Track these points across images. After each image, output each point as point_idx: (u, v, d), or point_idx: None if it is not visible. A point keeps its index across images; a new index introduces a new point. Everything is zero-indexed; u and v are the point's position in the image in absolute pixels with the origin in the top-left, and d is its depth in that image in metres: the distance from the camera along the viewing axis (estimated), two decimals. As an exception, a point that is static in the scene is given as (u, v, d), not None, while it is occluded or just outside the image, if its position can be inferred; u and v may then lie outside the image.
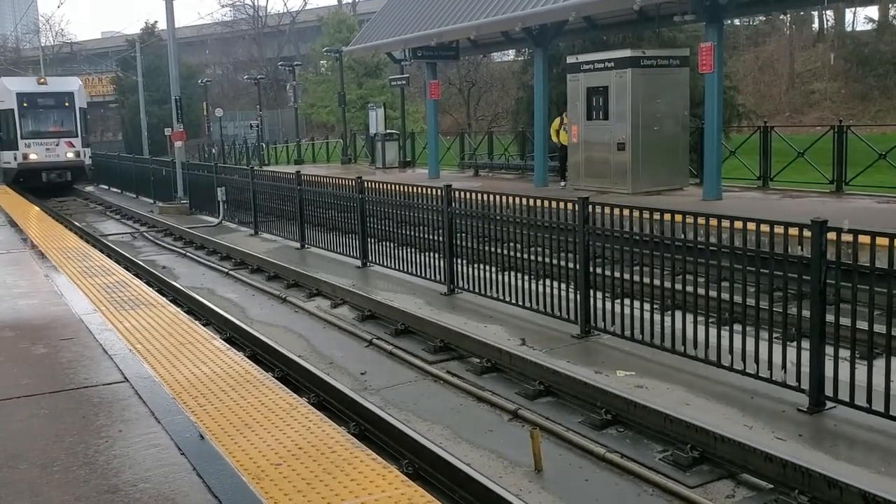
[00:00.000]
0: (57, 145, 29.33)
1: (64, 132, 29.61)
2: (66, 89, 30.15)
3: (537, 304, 8.74)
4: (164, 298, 8.34)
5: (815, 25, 45.30)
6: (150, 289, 8.83)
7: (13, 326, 7.06)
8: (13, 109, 28.75)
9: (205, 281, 13.41)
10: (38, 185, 28.79)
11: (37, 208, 18.71)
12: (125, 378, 5.49)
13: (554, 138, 18.87)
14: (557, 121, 18.57)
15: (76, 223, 21.79)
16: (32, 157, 28.88)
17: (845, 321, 6.01)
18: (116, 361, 5.89)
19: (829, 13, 43.53)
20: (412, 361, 8.10)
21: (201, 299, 11.11)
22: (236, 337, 9.18)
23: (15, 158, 28.88)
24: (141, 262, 14.83)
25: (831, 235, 5.81)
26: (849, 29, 43.99)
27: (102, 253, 12.87)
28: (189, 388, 5.24)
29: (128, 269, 12.19)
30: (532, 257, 8.93)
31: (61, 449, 4.29)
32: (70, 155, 29.52)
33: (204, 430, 4.49)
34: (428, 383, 7.57)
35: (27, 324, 7.18)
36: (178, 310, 7.98)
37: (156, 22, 62.02)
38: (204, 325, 8.53)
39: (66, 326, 7.03)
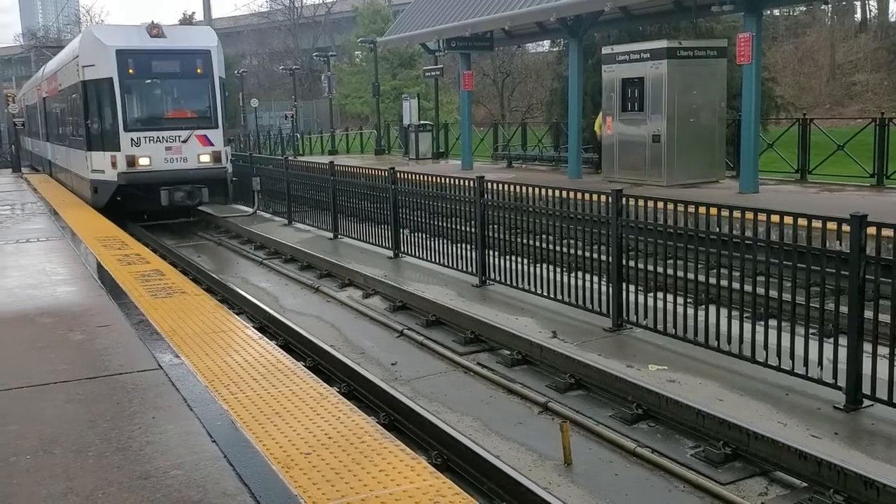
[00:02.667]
0: (185, 142, 16.89)
1: (196, 119, 17.29)
2: (199, 46, 17.39)
3: (569, 296, 8.69)
4: (198, 287, 8.44)
5: (858, 16, 44.41)
6: (185, 277, 8.94)
7: (52, 313, 7.19)
8: (111, 79, 16.47)
9: (239, 270, 13.54)
10: (152, 208, 17.28)
11: (72, 195, 18.99)
12: (159, 365, 5.56)
13: (598, 131, 18.71)
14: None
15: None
16: (143, 162, 16.61)
17: (884, 318, 5.89)
18: (151, 349, 5.98)
19: (873, 3, 42.65)
20: (443, 353, 8.11)
21: (235, 288, 11.22)
22: (269, 326, 9.25)
23: (114, 165, 16.58)
24: (175, 251, 15.01)
25: (871, 230, 5.69)
26: (892, 19, 43.08)
27: (139, 242, 13.03)
28: (221, 376, 5.29)
29: (164, 258, 12.35)
30: (564, 249, 8.87)
31: (95, 434, 4.36)
32: (205, 159, 17.11)
33: (235, 418, 4.54)
34: (458, 375, 7.57)
35: (65, 310, 7.31)
36: (212, 298, 8.07)
37: (193, 13, 62.73)
38: (237, 314, 8.61)
39: (103, 314, 7.14)
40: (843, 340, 5.88)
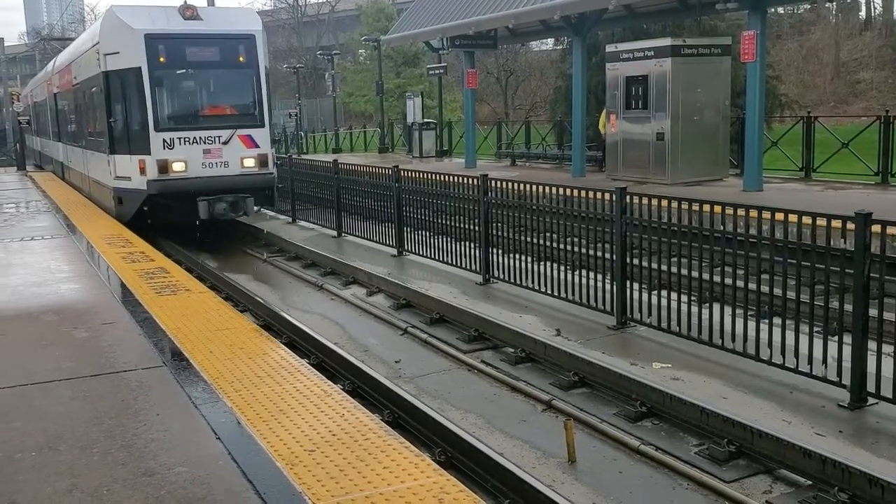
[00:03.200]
0: (226, 143, 14.24)
1: (238, 117, 14.68)
2: (241, 30, 14.79)
3: (573, 294, 8.69)
4: (202, 285, 8.44)
5: (863, 13, 44.31)
6: (190, 275, 8.95)
7: (56, 310, 7.20)
8: (139, 69, 13.93)
9: (242, 267, 13.55)
10: (188, 220, 14.48)
11: (76, 193, 19.01)
12: (164, 363, 5.57)
13: (602, 129, 18.67)
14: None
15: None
16: (177, 167, 14.04)
17: (889, 316, 5.88)
18: (155, 346, 5.99)
19: (878, 0, 42.55)
20: (447, 350, 8.11)
21: (239, 286, 11.24)
22: (273, 323, 9.26)
23: (142, 171, 14.06)
24: (180, 249, 15.03)
25: (876, 228, 5.68)
26: (898, 17, 42.93)
27: (143, 239, 13.05)
28: (226, 373, 5.30)
29: (168, 256, 12.37)
30: (568, 247, 8.87)
31: (100, 431, 4.38)
32: (250, 163, 14.51)
33: (240, 415, 4.55)
34: (462, 372, 7.57)
35: (70, 308, 7.32)
36: (217, 296, 8.08)
37: (197, 11, 62.62)
38: (241, 312, 8.63)
39: (108, 311, 7.16)
40: (847, 338, 5.87)
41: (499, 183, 10.05)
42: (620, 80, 17.07)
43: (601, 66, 19.21)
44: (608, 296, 8.21)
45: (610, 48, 17.80)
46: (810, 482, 4.98)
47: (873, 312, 5.83)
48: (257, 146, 14.55)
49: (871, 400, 5.79)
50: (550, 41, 38.15)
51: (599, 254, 8.40)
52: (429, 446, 5.64)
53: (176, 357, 5.69)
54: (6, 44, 40.17)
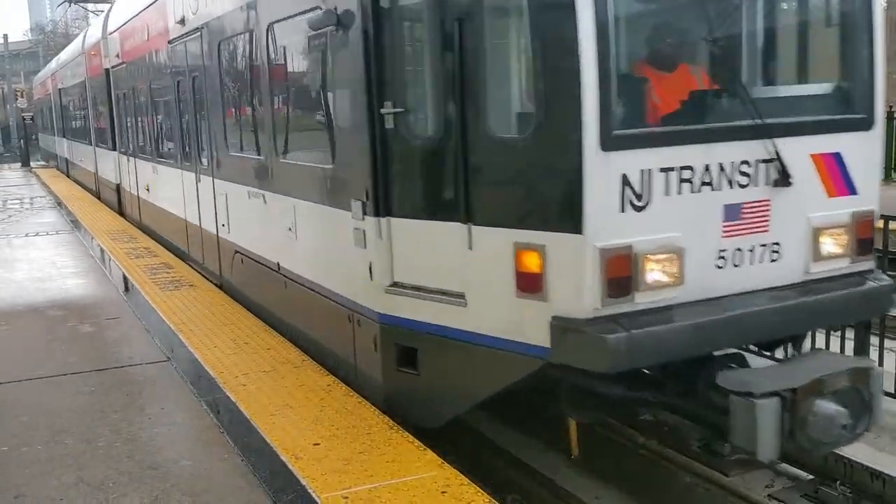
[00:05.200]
0: (783, 184, 4.11)
1: (818, 103, 4.72)
2: None
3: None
4: (207, 281, 8.46)
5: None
6: (193, 270, 8.96)
7: (62, 305, 7.24)
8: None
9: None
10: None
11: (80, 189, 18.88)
12: (168, 357, 5.60)
13: None
14: None
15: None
16: (663, 272, 3.76)
17: (891, 311, 5.87)
18: (160, 341, 6.02)
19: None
20: (450, 345, 8.09)
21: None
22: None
23: (534, 290, 3.74)
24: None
25: (878, 223, 5.67)
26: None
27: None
28: (231, 367, 5.33)
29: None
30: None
31: (105, 425, 4.41)
32: (833, 247, 4.50)
33: (244, 409, 4.57)
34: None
35: (75, 303, 7.36)
36: (220, 291, 8.10)
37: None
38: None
39: (112, 306, 7.19)
40: (849, 333, 5.87)
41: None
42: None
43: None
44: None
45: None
46: (812, 476, 4.98)
47: (876, 307, 5.80)
48: (853, 190, 4.97)
49: (873, 395, 5.77)
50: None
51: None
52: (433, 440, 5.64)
53: (180, 352, 5.72)
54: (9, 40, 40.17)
